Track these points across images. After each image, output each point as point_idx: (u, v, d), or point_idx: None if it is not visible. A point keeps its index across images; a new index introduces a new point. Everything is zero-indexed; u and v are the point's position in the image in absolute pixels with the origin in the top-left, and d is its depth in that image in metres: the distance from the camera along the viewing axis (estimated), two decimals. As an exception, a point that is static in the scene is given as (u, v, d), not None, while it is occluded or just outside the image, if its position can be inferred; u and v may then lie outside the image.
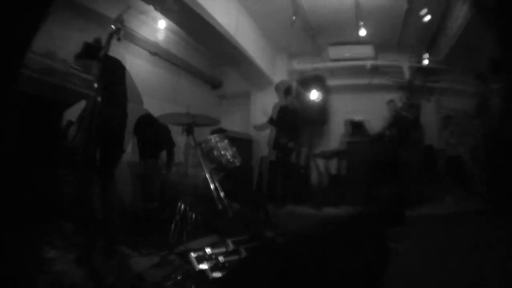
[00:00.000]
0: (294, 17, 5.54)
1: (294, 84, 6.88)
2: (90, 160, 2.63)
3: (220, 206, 3.23)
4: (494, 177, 4.02)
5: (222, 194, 3.27)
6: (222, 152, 3.69)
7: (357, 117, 6.65)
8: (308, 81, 6.98)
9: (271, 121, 6.10)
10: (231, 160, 3.74)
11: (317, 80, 6.92)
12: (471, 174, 5.33)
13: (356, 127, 6.60)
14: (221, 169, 3.78)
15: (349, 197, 5.49)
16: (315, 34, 6.60)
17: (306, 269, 1.38)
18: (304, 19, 6.00)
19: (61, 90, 2.55)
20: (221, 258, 2.15)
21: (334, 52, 7.09)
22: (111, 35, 2.66)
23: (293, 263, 1.40)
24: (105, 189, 2.77)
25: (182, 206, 3.21)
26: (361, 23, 5.88)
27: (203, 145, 3.67)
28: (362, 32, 6.02)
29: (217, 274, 2.05)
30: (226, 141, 3.81)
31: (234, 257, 2.20)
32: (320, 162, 6.62)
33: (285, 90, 6.28)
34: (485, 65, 4.30)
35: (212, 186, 3.26)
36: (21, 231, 2.00)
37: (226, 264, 2.11)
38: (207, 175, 3.29)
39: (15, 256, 1.77)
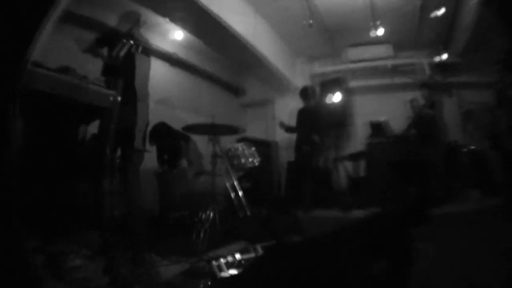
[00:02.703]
0: (311, 21, 5.54)
1: (317, 88, 6.84)
2: (104, 164, 2.65)
3: (248, 213, 3.27)
4: None
5: (244, 200, 3.30)
6: (250, 159, 3.74)
7: (381, 118, 6.56)
8: (329, 83, 6.96)
9: (288, 129, 6.02)
10: (250, 160, 3.79)
11: (338, 82, 6.89)
12: (495, 169, 5.16)
13: (376, 128, 6.51)
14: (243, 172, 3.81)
15: (374, 199, 5.41)
16: (333, 36, 6.59)
17: (322, 272, 1.35)
18: (321, 21, 5.99)
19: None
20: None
21: (353, 53, 7.06)
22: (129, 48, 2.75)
23: (309, 265, 1.37)
24: (127, 192, 2.77)
25: (211, 214, 3.26)
26: (378, 23, 5.85)
27: (229, 154, 3.73)
28: (380, 32, 5.98)
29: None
30: (253, 148, 3.86)
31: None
32: (348, 165, 6.58)
33: (306, 94, 6.20)
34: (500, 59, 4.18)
35: (240, 193, 3.32)
36: (46, 240, 2.00)
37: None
38: (235, 183, 3.35)
39: (34, 265, 1.76)
